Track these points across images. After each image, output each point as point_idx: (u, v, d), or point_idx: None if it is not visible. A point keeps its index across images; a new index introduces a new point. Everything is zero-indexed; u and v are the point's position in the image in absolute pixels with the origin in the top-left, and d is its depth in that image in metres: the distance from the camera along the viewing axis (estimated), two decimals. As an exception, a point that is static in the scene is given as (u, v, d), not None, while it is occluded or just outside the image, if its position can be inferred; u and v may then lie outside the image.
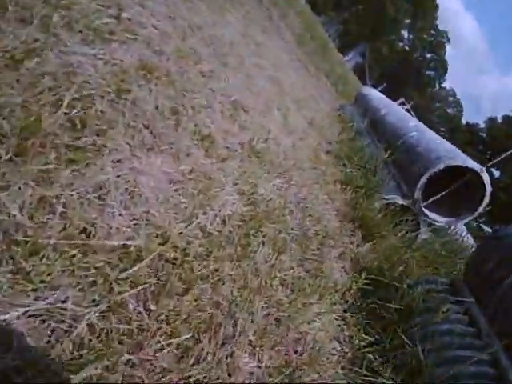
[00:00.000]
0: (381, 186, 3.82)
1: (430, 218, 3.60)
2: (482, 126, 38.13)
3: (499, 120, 36.89)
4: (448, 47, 45.56)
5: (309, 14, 21.24)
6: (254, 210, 2.17)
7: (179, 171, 1.94)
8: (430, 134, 4.53)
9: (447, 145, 3.99)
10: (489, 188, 3.32)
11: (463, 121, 45.15)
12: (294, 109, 4.59)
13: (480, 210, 3.43)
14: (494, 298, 1.86)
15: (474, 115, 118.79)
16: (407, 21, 42.76)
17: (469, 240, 4.49)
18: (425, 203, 3.62)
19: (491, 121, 37.45)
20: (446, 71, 46.75)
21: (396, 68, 43.57)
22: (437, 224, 3.63)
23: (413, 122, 5.26)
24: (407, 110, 15.07)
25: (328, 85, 13.10)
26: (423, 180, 3.44)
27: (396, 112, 6.12)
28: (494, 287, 1.89)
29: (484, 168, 3.32)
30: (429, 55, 45.72)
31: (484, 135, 37.49)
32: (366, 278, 2.39)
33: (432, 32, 44.44)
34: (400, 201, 3.63)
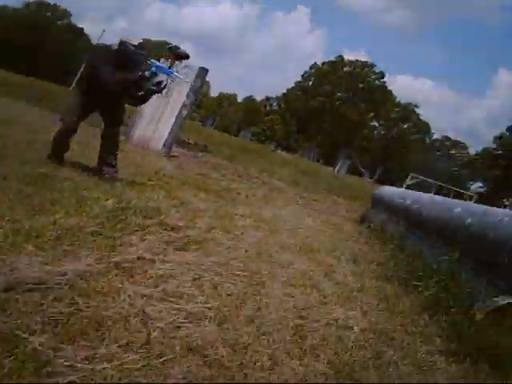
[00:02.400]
0: (471, 293, 3.28)
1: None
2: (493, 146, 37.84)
3: (505, 134, 36.79)
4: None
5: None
6: None
7: None
8: (488, 213, 4.22)
9: None
10: None
11: (472, 151, 45.23)
12: (332, 260, 4.33)
13: None
14: None
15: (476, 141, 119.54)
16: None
17: None
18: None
19: (499, 137, 37.36)
20: (429, 128, 48.94)
21: (384, 149, 45.79)
22: None
23: (456, 205, 4.99)
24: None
25: (337, 199, 13.21)
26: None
27: (429, 201, 5.91)
28: None
29: None
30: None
31: (499, 152, 36.89)
32: None
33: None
34: (504, 300, 3.03)
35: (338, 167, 36.07)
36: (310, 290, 3.40)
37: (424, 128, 48.30)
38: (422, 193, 7.81)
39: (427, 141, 49.66)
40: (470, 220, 4.27)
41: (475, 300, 3.06)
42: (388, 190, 8.86)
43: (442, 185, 13.41)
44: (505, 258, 3.31)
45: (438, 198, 6.75)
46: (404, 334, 2.71)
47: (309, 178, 15.38)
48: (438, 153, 48.94)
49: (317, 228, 6.52)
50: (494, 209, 4.57)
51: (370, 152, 44.98)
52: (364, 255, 4.72)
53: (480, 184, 38.14)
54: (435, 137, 50.79)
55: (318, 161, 35.90)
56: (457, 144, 50.32)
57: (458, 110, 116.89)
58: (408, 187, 9.79)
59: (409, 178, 14.32)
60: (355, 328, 2.69)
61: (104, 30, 41.30)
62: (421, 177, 14.59)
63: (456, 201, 6.18)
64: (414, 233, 5.51)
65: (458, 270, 3.60)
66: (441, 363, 2.41)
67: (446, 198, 6.50)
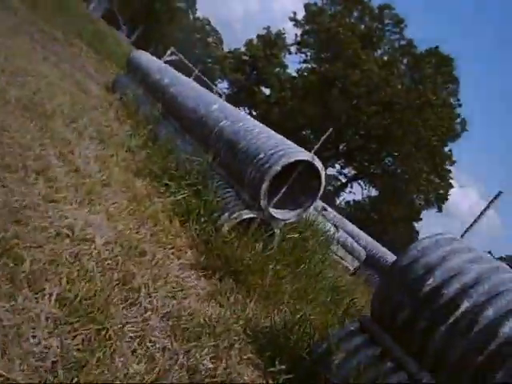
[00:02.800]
0: (220, 203, 3.29)
1: (281, 219, 3.34)
2: (243, 49, 41.11)
3: (255, 40, 40.42)
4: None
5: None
6: None
7: None
8: (240, 118, 4.14)
9: (266, 133, 3.67)
10: (323, 173, 3.21)
11: (225, 48, 47.82)
12: (71, 135, 3.38)
13: (320, 193, 3.35)
14: (431, 352, 1.69)
15: (232, 41, 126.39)
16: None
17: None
18: (270, 204, 3.31)
19: (249, 43, 40.67)
20: (195, 1, 47.37)
21: (147, 6, 41.45)
22: (288, 221, 3.43)
23: (213, 101, 4.75)
24: (179, 61, 14.34)
25: (85, 48, 11.18)
26: (264, 187, 3.06)
27: (187, 88, 5.47)
28: (424, 338, 1.73)
29: (314, 156, 3.15)
30: (174, -13, 44.90)
31: (247, 58, 40.75)
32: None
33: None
34: (248, 215, 3.20)
35: (92, 5, 30.02)
36: (34, 178, 2.44)
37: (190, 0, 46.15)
38: (182, 75, 7.34)
39: (190, 15, 48.17)
40: (224, 123, 4.19)
41: (224, 211, 3.07)
42: (146, 59, 7.90)
43: (199, 74, 13.26)
44: (251, 171, 3.39)
45: (198, 86, 6.49)
46: (155, 245, 2.38)
47: (53, 5, 11.92)
48: (198, 36, 48.68)
49: (54, 81, 5.02)
50: (250, 118, 4.71)
51: (133, 4, 39.43)
52: (113, 136, 3.94)
53: (226, 85, 40.57)
54: (198, 15, 49.69)
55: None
56: (215, 33, 51.43)
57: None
58: (167, 63, 9.05)
59: (169, 52, 13.33)
60: (97, 240, 2.11)
61: None
62: (181, 55, 13.89)
63: (215, 97, 6.10)
64: (170, 121, 5.12)
65: (210, 176, 3.52)
66: (192, 280, 2.26)
67: (206, 90, 6.31)
